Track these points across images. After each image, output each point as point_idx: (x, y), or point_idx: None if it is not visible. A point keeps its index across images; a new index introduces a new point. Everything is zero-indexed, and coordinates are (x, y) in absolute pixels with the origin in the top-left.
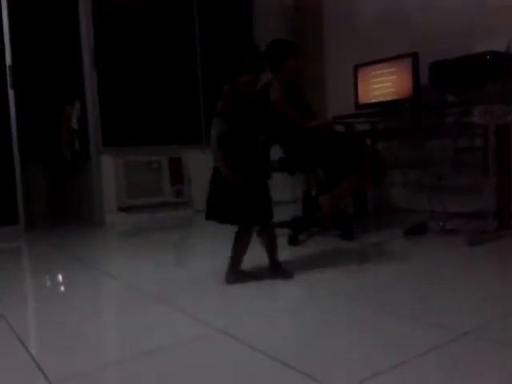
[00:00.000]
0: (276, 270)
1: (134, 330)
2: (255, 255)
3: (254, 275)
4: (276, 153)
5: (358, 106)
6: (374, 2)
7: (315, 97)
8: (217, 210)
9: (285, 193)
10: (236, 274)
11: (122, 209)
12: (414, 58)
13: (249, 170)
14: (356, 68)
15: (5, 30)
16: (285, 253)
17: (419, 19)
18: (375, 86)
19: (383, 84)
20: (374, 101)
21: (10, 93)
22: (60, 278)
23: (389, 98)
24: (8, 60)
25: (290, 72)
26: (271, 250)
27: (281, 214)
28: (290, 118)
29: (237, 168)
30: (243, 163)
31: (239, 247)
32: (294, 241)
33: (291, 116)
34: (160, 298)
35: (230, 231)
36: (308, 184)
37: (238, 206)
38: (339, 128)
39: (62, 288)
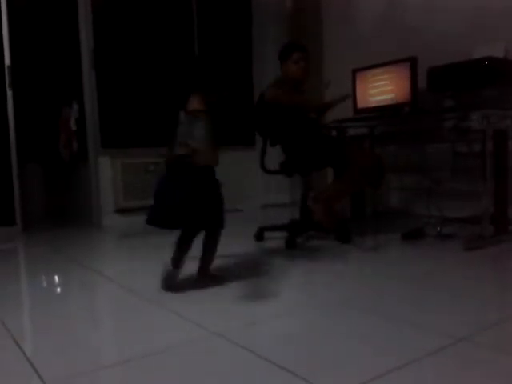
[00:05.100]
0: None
1: (130, 333)
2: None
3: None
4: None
5: (356, 110)
6: (373, 7)
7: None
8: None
9: (283, 195)
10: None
11: (119, 211)
12: (413, 62)
13: None
14: (354, 72)
15: (4, 30)
16: (282, 256)
17: (418, 24)
18: (373, 90)
19: (381, 88)
20: (372, 105)
21: (9, 93)
22: (56, 279)
23: (387, 103)
24: (7, 60)
25: (289, 74)
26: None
27: (279, 217)
28: (297, 106)
29: None
30: None
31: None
32: (291, 244)
33: (296, 102)
34: (156, 300)
35: (225, 233)
36: (306, 187)
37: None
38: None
39: (58, 289)
